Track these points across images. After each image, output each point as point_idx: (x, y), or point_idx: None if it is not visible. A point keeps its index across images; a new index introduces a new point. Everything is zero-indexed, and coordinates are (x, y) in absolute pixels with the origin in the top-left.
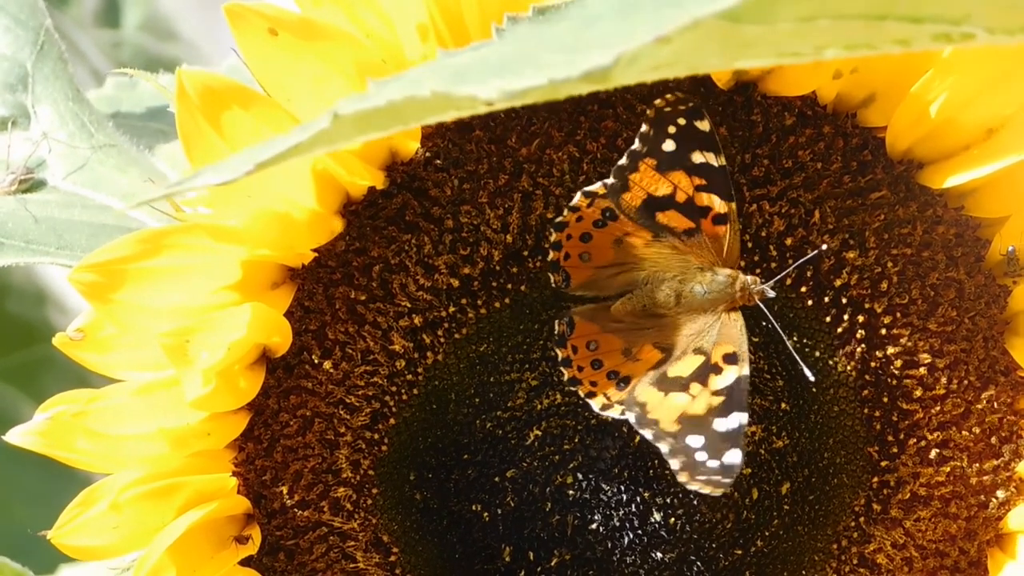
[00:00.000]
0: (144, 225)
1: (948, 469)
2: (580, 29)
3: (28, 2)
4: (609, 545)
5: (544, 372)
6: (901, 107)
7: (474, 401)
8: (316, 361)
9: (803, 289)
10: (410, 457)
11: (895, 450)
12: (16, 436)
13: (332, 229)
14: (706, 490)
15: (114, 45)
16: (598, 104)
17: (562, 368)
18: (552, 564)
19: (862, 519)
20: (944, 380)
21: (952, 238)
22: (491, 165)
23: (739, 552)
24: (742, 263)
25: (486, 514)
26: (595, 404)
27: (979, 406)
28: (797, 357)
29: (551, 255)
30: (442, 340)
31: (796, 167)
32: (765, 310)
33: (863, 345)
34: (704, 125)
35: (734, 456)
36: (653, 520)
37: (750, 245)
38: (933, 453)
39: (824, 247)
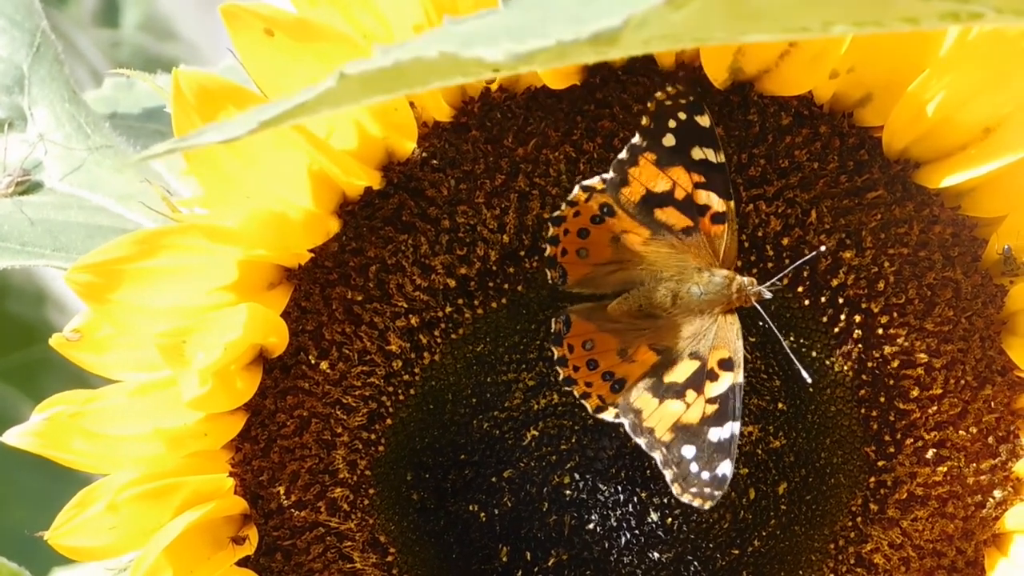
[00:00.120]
0: (140, 226)
1: (945, 469)
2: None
3: (24, 3)
4: (606, 545)
5: (541, 372)
6: (898, 106)
7: (471, 401)
8: (313, 361)
9: (800, 289)
10: (407, 457)
11: (892, 450)
12: (13, 437)
13: (329, 229)
14: (696, 503)
15: (113, 45)
16: (595, 104)
17: (558, 367)
18: (549, 564)
19: (859, 519)
20: (941, 380)
21: (949, 238)
22: (487, 165)
23: (736, 552)
24: (739, 263)
25: (483, 514)
26: (589, 406)
27: (976, 406)
28: (793, 357)
29: (548, 250)
30: (439, 340)
31: (793, 167)
32: (761, 311)
33: (860, 345)
34: (704, 120)
35: (725, 467)
36: (650, 520)
37: (747, 245)
38: (930, 453)
39: (823, 248)
